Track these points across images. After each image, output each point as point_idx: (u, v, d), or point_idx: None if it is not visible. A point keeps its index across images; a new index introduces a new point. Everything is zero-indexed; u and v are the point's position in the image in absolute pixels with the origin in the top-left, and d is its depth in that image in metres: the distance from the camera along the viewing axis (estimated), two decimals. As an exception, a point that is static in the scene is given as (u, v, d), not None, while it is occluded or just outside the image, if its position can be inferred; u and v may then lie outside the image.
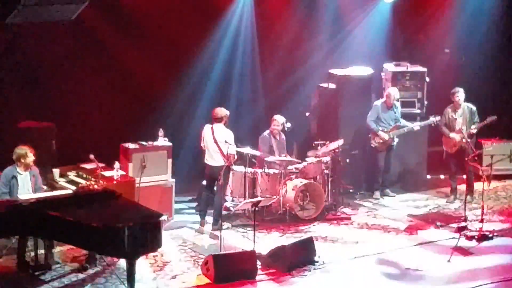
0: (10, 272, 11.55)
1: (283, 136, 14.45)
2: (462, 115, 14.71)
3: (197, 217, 13.64)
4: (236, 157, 13.37)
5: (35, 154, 11.89)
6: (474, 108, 14.79)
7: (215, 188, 13.40)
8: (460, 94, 14.65)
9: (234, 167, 13.82)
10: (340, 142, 14.36)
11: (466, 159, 13.95)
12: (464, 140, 14.44)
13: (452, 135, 14.58)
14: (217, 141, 13.17)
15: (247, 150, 13.54)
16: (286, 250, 11.88)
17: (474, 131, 14.67)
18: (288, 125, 14.29)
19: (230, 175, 13.80)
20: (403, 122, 15.05)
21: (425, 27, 17.05)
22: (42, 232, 11.02)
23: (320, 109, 15.59)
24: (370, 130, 14.92)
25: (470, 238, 13.03)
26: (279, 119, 14.26)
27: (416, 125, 15.05)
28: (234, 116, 15.16)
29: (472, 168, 14.10)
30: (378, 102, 15.06)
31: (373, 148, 14.97)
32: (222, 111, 13.28)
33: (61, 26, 13.66)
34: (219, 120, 13.23)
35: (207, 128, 13.33)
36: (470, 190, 14.75)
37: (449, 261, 12.25)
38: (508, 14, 16.88)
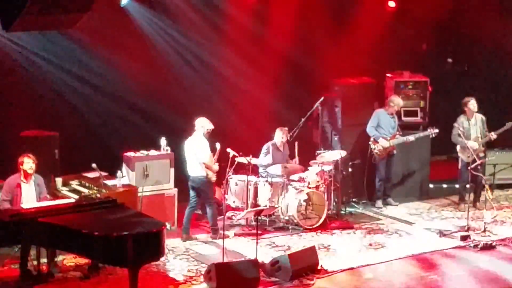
0: (13, 281, 11.54)
1: (287, 147, 14.46)
2: (476, 124, 14.72)
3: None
4: (215, 167, 13.28)
5: (36, 162, 11.90)
6: (484, 117, 14.82)
7: (198, 199, 13.40)
8: (473, 103, 14.67)
9: (237, 176, 13.86)
10: (343, 153, 14.36)
11: (469, 167, 13.95)
12: (482, 148, 14.58)
13: (471, 143, 14.52)
14: (192, 151, 13.22)
15: (251, 160, 13.59)
16: (289, 259, 11.87)
17: (495, 137, 14.70)
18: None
19: (232, 184, 13.85)
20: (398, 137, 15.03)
21: (427, 36, 17.07)
22: (44, 241, 11.04)
23: (322, 118, 15.58)
24: (371, 137, 14.93)
25: (473, 247, 13.04)
26: (282, 131, 14.28)
27: (411, 136, 15.01)
28: (236, 127, 15.20)
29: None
30: (379, 109, 15.07)
31: (374, 156, 14.95)
32: (199, 121, 13.26)
33: (65, 34, 13.73)
34: (196, 130, 13.24)
35: (188, 139, 13.38)
36: (476, 200, 14.80)
37: (452, 270, 12.24)
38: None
